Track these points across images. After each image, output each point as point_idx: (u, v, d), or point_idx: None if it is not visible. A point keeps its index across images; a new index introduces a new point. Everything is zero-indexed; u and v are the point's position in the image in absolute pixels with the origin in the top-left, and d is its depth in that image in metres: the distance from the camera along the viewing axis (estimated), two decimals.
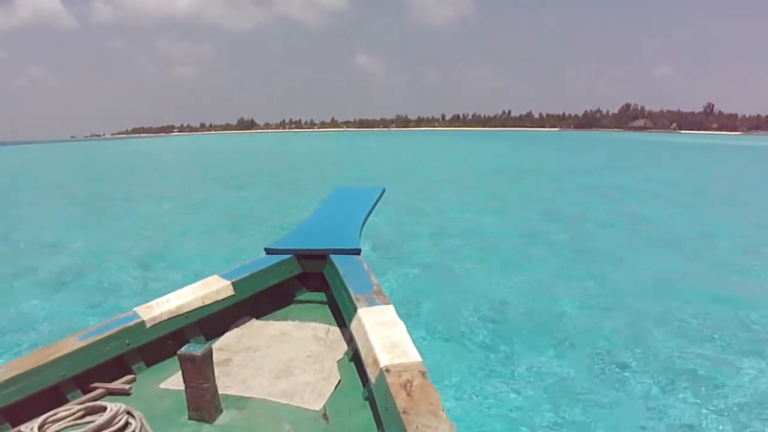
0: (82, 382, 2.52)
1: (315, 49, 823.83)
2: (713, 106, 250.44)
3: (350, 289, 2.99)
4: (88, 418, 2.16)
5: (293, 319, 3.43)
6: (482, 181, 25.40)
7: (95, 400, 2.39)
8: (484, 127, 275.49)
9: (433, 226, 13.54)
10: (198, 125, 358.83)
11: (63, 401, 2.42)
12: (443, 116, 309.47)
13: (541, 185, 23.42)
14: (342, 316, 3.14)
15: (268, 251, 3.80)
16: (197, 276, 3.40)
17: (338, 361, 2.82)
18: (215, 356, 2.29)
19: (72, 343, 2.54)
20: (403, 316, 2.62)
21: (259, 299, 3.48)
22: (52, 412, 2.18)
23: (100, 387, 2.52)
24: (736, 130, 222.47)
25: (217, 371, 2.28)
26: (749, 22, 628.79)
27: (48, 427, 2.11)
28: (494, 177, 27.34)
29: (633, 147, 67.17)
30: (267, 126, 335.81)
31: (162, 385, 2.58)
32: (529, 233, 12.71)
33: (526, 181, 25.23)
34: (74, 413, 2.18)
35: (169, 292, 3.11)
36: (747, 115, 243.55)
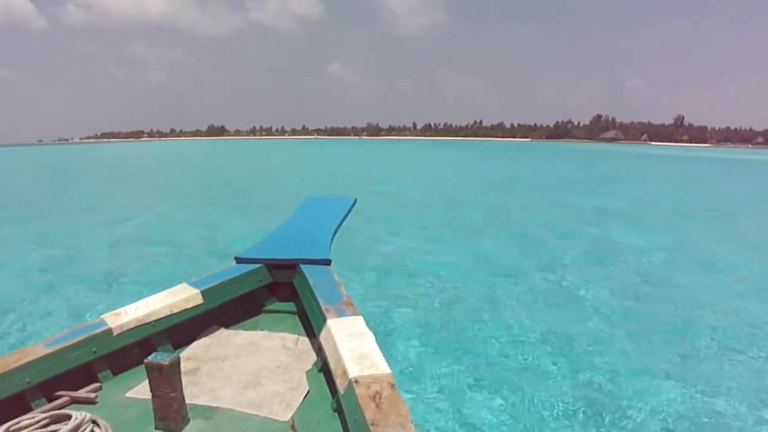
0: (47, 390, 2.49)
1: (287, 57, 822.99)
2: (683, 118, 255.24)
3: (320, 300, 2.99)
4: (52, 427, 2.13)
5: (262, 329, 3.42)
6: (453, 196, 22.41)
7: (60, 408, 2.37)
8: (455, 136, 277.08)
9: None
10: (168, 131, 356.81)
11: (27, 409, 2.39)
12: (414, 125, 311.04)
13: (518, 203, 20.39)
14: (311, 326, 3.14)
15: (238, 260, 3.80)
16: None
17: (307, 372, 2.83)
18: (183, 365, 2.28)
19: (37, 350, 2.51)
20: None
21: (228, 308, 3.46)
22: (15, 421, 2.15)
23: (65, 395, 2.49)
24: (705, 142, 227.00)
25: (184, 380, 2.28)
26: (720, 35, 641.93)
27: None
28: (466, 193, 24.01)
29: (608, 159, 66.10)
30: (237, 133, 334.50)
31: (128, 394, 2.56)
32: (504, 270, 9.95)
33: (505, 196, 22.23)
34: (38, 422, 2.15)
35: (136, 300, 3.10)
36: (716, 128, 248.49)
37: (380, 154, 71.83)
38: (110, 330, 2.77)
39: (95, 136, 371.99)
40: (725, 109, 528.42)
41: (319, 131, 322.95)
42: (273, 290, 3.84)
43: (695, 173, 43.75)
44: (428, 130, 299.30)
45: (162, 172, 41.73)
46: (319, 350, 2.87)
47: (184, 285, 3.32)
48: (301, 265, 3.62)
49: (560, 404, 5.04)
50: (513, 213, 17.62)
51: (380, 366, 2.21)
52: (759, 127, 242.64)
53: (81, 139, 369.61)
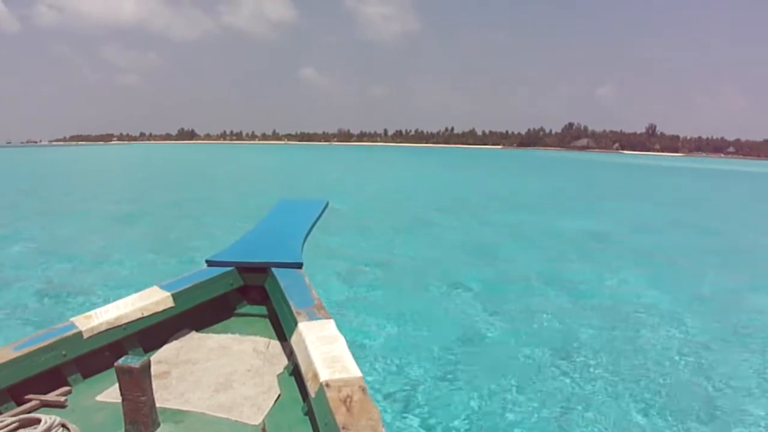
0: (16, 394, 2.47)
1: (260, 61, 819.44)
2: (655, 127, 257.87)
3: (291, 303, 3.01)
4: (21, 431, 2.12)
5: (233, 332, 3.43)
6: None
7: (29, 412, 2.35)
8: (426, 143, 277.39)
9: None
10: (138, 134, 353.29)
11: None
12: (385, 131, 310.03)
13: (507, 231, 16.28)
14: (283, 329, 3.15)
15: (209, 263, 3.79)
16: None
17: (278, 375, 2.84)
18: (153, 369, 2.27)
19: (6, 353, 2.49)
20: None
21: (200, 311, 3.46)
22: None
23: (35, 399, 2.47)
24: (677, 152, 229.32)
25: (155, 384, 2.27)
26: (691, 45, 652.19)
27: None
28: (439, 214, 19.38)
29: (589, 169, 64.30)
30: (208, 137, 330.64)
31: (98, 398, 2.55)
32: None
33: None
34: (7, 425, 2.14)
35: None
36: (688, 137, 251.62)
37: (346, 162, 69.01)
38: (80, 333, 2.76)
39: (64, 139, 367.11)
40: (696, 119, 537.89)
41: (289, 136, 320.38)
42: (244, 293, 3.85)
43: (698, 187, 41.69)
44: (399, 136, 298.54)
45: (108, 182, 37.42)
46: (290, 354, 2.89)
47: (155, 288, 3.31)
48: (273, 269, 3.63)
49: None
50: (503, 248, 13.76)
51: (351, 370, 2.23)
52: (730, 137, 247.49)
53: (50, 141, 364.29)
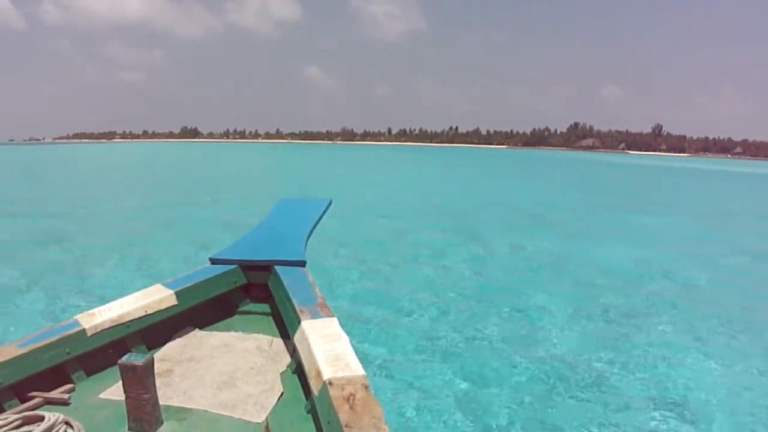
0: (20, 391, 2.47)
1: (264, 60, 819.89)
2: (661, 127, 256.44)
3: (294, 301, 3.00)
4: (25, 428, 2.12)
5: (236, 330, 3.42)
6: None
7: (33, 409, 2.35)
8: (430, 142, 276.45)
9: None
10: (141, 132, 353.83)
11: None
12: (389, 130, 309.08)
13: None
14: (286, 327, 3.15)
15: (213, 261, 3.79)
16: None
17: (281, 373, 2.83)
18: (157, 366, 2.27)
19: (11, 350, 2.49)
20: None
21: (203, 309, 3.46)
22: None
23: (39, 396, 2.48)
24: (684, 152, 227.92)
25: (158, 382, 2.27)
26: (698, 45, 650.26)
27: None
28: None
29: (602, 171, 60.72)
30: (211, 135, 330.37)
31: (102, 396, 2.55)
32: None
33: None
34: (11, 422, 2.13)
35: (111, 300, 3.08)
36: (694, 137, 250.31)
37: (352, 163, 62.91)
38: (84, 331, 2.76)
39: (67, 137, 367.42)
40: (703, 119, 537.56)
41: (292, 135, 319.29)
42: (247, 291, 3.85)
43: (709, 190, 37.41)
44: (403, 135, 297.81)
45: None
46: (293, 352, 2.88)
47: (159, 286, 3.31)
48: (276, 267, 3.62)
49: None
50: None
51: (354, 368, 2.22)
52: (737, 137, 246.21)
53: (54, 139, 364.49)
